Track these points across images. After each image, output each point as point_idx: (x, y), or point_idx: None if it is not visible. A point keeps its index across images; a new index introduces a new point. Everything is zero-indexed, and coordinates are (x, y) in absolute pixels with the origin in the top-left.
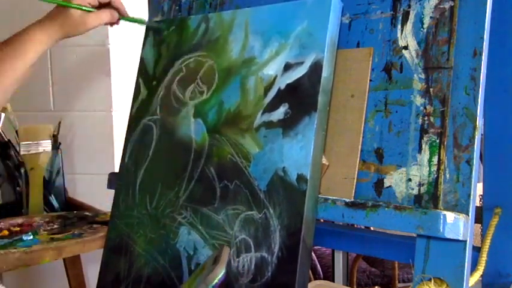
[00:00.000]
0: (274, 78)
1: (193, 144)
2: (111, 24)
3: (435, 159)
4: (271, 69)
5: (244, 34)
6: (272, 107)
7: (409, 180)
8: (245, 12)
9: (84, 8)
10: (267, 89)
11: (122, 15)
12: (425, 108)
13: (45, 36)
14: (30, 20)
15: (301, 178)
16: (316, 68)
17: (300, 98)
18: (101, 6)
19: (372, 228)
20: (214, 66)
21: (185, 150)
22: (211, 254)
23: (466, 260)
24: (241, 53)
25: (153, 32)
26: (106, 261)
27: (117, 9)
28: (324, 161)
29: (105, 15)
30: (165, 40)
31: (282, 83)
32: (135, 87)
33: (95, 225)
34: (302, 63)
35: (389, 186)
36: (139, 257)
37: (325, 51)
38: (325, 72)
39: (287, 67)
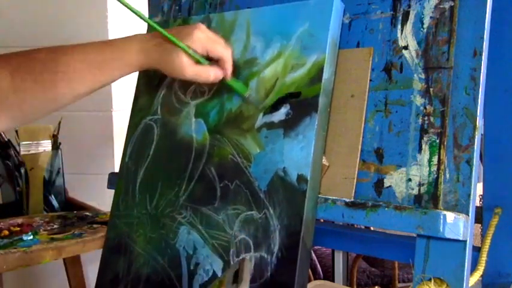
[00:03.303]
0: (276, 79)
1: (194, 144)
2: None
3: (435, 159)
4: (273, 70)
5: (245, 35)
6: (273, 107)
7: (409, 180)
8: (247, 13)
9: (194, 54)
10: (269, 90)
11: (225, 79)
12: (425, 108)
13: (140, 60)
14: (30, 18)
15: (301, 178)
16: (317, 69)
17: (301, 99)
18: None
19: (372, 228)
20: None
21: (186, 150)
22: (229, 268)
23: (466, 260)
24: (242, 54)
25: None
26: (105, 260)
27: (223, 69)
28: (324, 161)
29: (207, 73)
30: None
31: (283, 84)
32: (136, 87)
33: (95, 225)
34: (303, 64)
35: (389, 186)
36: (139, 257)
37: (327, 53)
38: (326, 74)
39: (288, 68)
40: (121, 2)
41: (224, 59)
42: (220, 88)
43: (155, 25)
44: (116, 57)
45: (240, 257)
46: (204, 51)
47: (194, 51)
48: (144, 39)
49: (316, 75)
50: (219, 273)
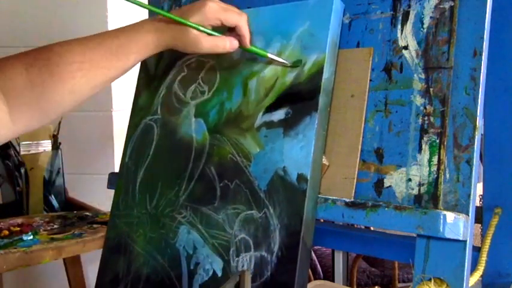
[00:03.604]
0: (276, 79)
1: (194, 143)
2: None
3: (435, 159)
4: (273, 70)
5: None
6: (273, 107)
7: (409, 180)
8: (246, 13)
9: (202, 28)
10: (268, 90)
11: (243, 46)
12: (425, 108)
13: (155, 40)
14: (30, 18)
15: (301, 178)
16: (318, 68)
17: (301, 99)
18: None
19: (372, 228)
20: (215, 66)
21: (186, 149)
22: (229, 279)
23: (466, 260)
24: (242, 53)
25: None
26: (105, 260)
27: (240, 36)
28: (324, 161)
29: (223, 43)
30: None
31: (283, 83)
32: (136, 87)
33: (95, 225)
34: (304, 64)
35: (389, 186)
36: (139, 257)
37: (327, 52)
38: (326, 73)
39: (288, 67)
40: None
41: (239, 26)
42: (220, 87)
43: (160, 11)
44: (130, 40)
45: (241, 269)
46: (217, 22)
47: (205, 26)
48: (156, 19)
49: (316, 75)
50: (219, 273)
